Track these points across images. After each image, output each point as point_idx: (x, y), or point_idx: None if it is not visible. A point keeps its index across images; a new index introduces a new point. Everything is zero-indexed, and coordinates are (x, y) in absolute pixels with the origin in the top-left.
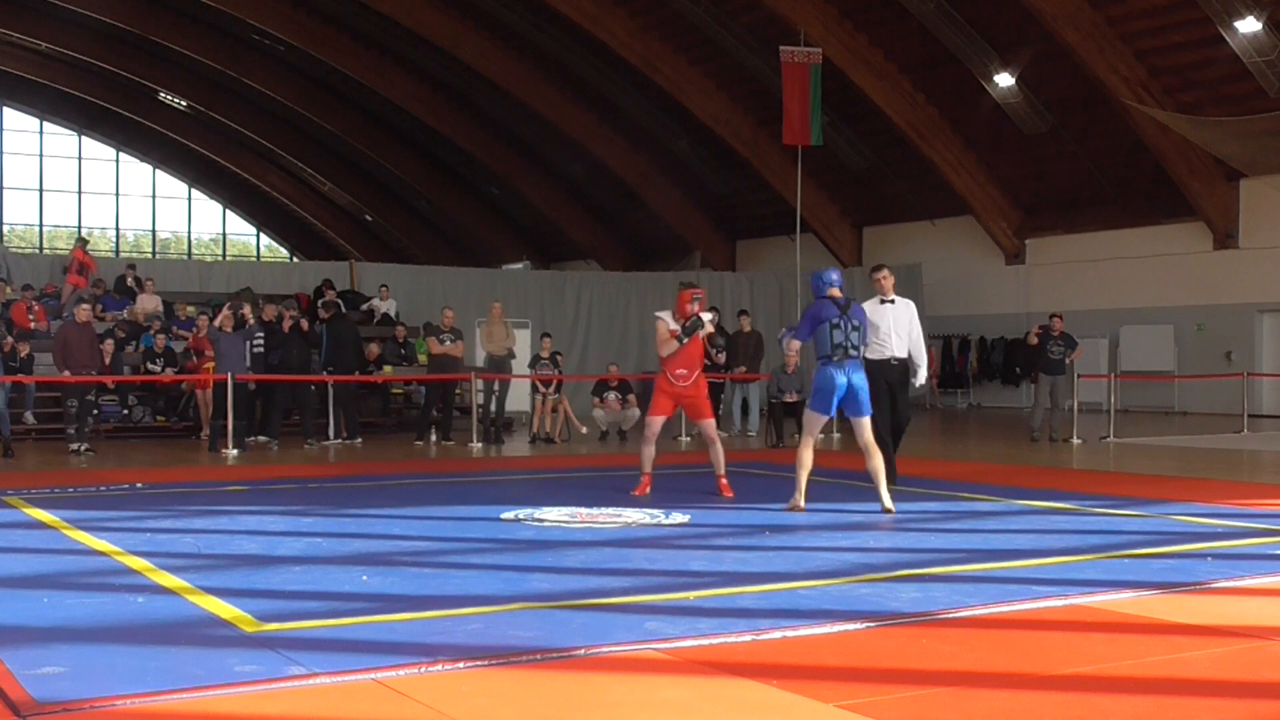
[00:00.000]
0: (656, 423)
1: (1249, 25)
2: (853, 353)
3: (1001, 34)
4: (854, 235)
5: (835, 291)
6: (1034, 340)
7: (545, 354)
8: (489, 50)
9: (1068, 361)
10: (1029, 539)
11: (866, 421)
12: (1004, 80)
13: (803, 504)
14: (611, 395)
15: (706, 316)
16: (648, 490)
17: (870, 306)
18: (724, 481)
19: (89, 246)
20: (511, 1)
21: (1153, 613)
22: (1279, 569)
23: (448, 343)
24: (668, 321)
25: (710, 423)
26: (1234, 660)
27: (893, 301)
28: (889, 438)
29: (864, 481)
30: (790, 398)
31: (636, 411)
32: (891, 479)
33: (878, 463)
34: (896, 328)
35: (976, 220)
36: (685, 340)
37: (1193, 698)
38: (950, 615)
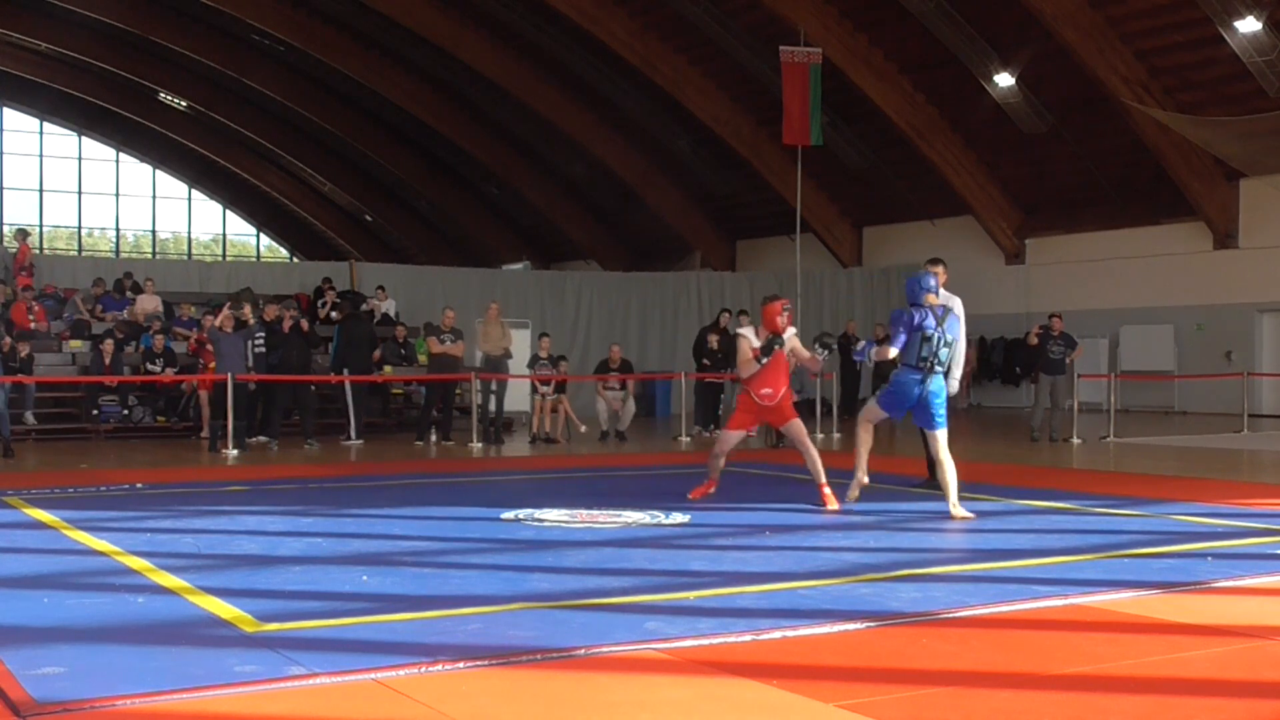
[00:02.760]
0: (733, 438)
1: (1249, 25)
2: (938, 367)
3: (1001, 34)
4: (854, 235)
5: (932, 299)
6: (1034, 340)
7: (544, 354)
8: (489, 50)
9: (1068, 361)
10: (1029, 539)
11: (938, 435)
12: (1004, 80)
13: (865, 479)
14: (615, 386)
15: (790, 331)
16: (711, 491)
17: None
18: (826, 491)
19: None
20: (511, 1)
21: (1153, 613)
22: (1279, 569)
23: (448, 343)
24: (751, 340)
25: (796, 423)
26: (1234, 660)
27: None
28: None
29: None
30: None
31: (633, 406)
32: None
33: (947, 474)
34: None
35: (976, 220)
36: (765, 361)
37: (1193, 698)
38: (950, 615)
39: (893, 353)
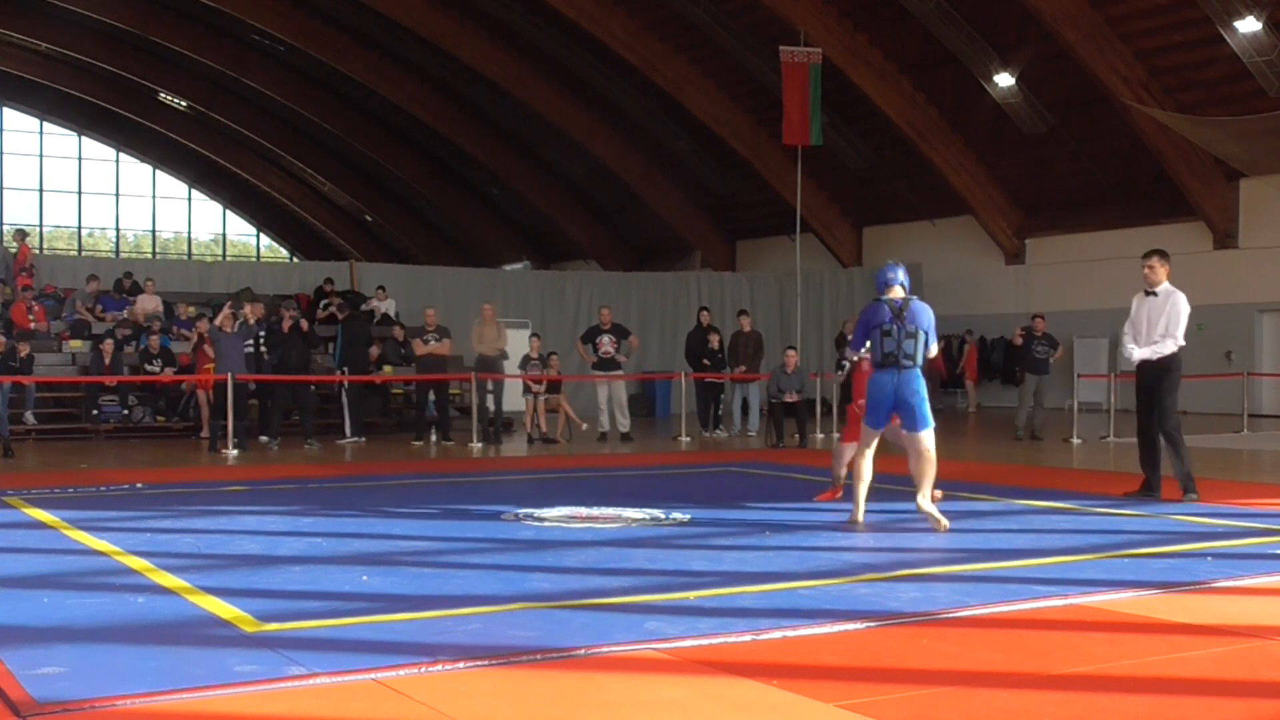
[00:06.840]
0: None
1: (1249, 25)
2: (906, 363)
3: (1001, 34)
4: (854, 235)
5: (895, 291)
6: (1018, 341)
7: (534, 354)
8: (489, 50)
9: (1051, 361)
10: (1029, 539)
11: (919, 437)
12: (1004, 80)
13: (861, 518)
14: (606, 339)
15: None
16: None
17: (1136, 299)
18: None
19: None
20: (511, 1)
21: (1153, 613)
22: (1279, 569)
23: (432, 342)
24: None
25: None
26: (1234, 660)
27: (1155, 294)
28: (1155, 438)
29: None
30: (790, 398)
31: (623, 389)
32: (1188, 488)
33: (925, 467)
34: (1150, 323)
35: (976, 220)
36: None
37: (1193, 698)
38: (950, 615)
39: (854, 355)
